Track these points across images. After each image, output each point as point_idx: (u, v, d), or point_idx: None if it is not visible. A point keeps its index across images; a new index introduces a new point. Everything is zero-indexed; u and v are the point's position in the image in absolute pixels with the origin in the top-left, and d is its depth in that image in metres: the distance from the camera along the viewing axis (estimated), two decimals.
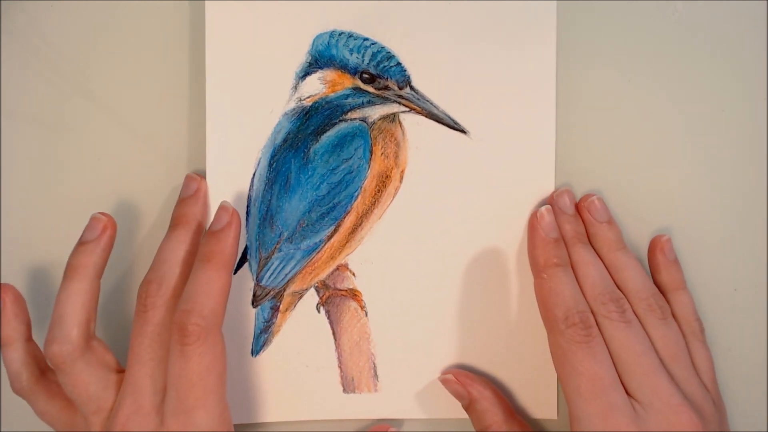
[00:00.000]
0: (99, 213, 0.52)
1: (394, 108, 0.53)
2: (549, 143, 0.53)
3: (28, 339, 0.51)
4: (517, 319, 0.54)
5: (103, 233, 0.51)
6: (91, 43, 0.55)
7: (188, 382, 0.47)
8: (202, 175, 0.53)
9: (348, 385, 0.54)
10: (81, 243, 0.51)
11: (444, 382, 0.53)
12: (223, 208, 0.51)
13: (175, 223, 0.52)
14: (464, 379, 0.53)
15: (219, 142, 0.53)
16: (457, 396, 0.53)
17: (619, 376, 0.48)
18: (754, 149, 0.54)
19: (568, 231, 0.52)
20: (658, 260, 0.53)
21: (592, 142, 0.54)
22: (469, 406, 0.53)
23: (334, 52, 0.53)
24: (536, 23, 0.53)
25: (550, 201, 0.53)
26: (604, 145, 0.54)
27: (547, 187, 0.53)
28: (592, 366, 0.48)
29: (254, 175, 0.53)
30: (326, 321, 0.54)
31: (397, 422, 0.54)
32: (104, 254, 0.51)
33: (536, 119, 0.53)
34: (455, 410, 0.54)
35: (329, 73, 0.53)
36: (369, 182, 0.53)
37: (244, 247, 0.53)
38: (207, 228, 0.52)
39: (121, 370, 0.51)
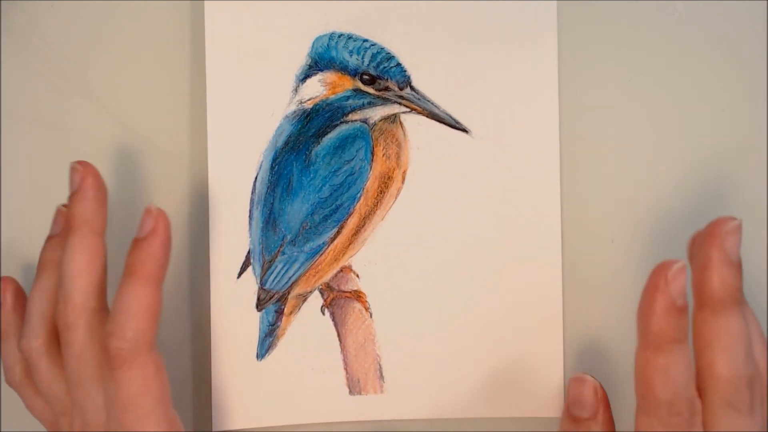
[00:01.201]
0: (62, 206, 0.51)
1: (395, 109, 0.53)
2: (553, 142, 0.53)
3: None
4: (523, 319, 0.54)
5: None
6: (91, 43, 0.55)
7: (121, 407, 0.46)
8: (88, 164, 0.50)
9: (354, 387, 0.54)
10: (47, 239, 0.51)
11: (580, 382, 0.47)
12: (147, 212, 0.47)
13: (68, 226, 0.49)
14: (603, 396, 0.47)
15: (220, 146, 0.53)
16: (581, 404, 0.47)
17: None
18: (754, 149, 0.54)
19: (718, 291, 0.43)
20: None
21: (594, 141, 0.54)
22: (579, 421, 0.47)
23: (333, 54, 0.53)
24: (537, 23, 0.53)
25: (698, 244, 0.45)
26: (605, 145, 0.54)
27: (552, 186, 0.53)
28: None
29: (256, 178, 0.53)
30: (331, 323, 0.54)
31: (403, 423, 0.54)
32: None
33: (539, 118, 0.53)
34: (461, 410, 0.54)
35: (329, 75, 0.53)
36: (371, 183, 0.53)
37: (247, 250, 0.54)
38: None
39: None
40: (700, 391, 0.43)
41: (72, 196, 0.49)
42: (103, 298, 0.48)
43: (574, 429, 0.48)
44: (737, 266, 0.43)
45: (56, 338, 0.49)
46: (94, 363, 0.47)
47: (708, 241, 0.43)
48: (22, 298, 0.51)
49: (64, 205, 0.50)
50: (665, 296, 0.42)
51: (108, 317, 0.46)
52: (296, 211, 0.53)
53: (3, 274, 0.55)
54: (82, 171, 0.49)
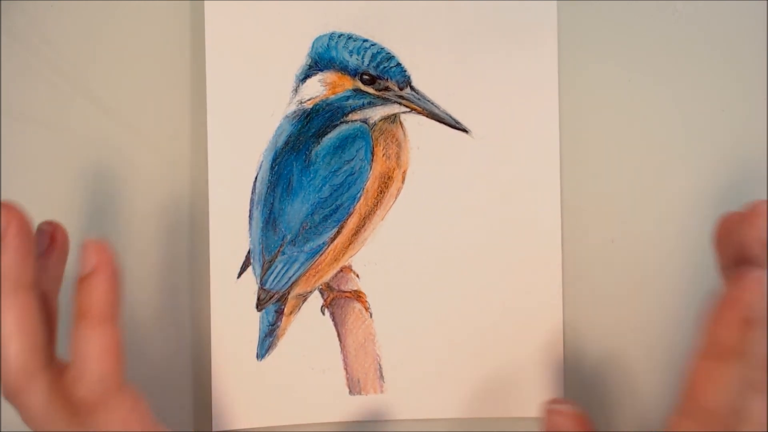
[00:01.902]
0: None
1: (394, 109, 0.53)
2: (553, 142, 0.53)
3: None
4: (523, 318, 0.54)
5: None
6: (91, 43, 0.55)
7: None
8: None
9: (354, 387, 0.54)
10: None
11: (555, 413, 0.46)
12: (85, 247, 0.43)
13: None
14: (583, 418, 0.46)
15: (221, 146, 0.53)
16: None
17: None
18: (754, 149, 0.54)
19: None
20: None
21: (594, 141, 0.54)
22: None
23: (333, 54, 0.53)
24: (537, 23, 0.53)
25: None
26: (605, 144, 0.54)
27: (552, 186, 0.53)
28: None
29: (256, 178, 0.53)
30: (331, 323, 0.54)
31: (403, 423, 0.54)
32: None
33: (539, 118, 0.53)
34: (461, 410, 0.54)
35: (329, 75, 0.53)
36: (371, 183, 0.53)
37: (247, 250, 0.54)
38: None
39: None
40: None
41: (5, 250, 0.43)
42: (51, 351, 0.44)
43: None
44: None
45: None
46: (64, 416, 0.43)
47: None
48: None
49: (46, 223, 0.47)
50: (742, 308, 0.41)
51: (67, 365, 0.44)
52: (296, 211, 0.53)
53: None
54: (4, 217, 0.43)
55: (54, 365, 0.44)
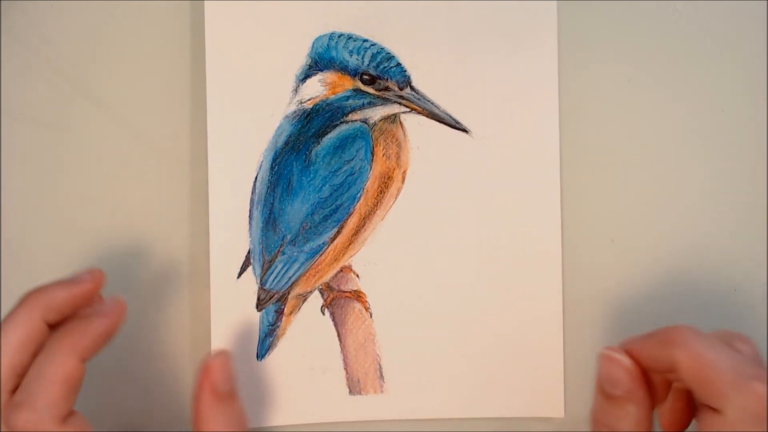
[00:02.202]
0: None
1: (394, 109, 0.53)
2: (553, 142, 0.53)
3: None
4: (523, 319, 0.54)
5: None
6: (91, 43, 0.55)
7: None
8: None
9: (354, 387, 0.54)
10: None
11: (610, 360, 0.46)
12: (113, 300, 0.47)
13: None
14: (636, 373, 0.45)
15: (221, 146, 0.53)
16: (614, 382, 0.45)
17: None
18: (754, 149, 0.54)
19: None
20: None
21: (593, 141, 0.54)
22: (613, 398, 0.45)
23: (333, 54, 0.53)
24: (537, 23, 0.53)
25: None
26: (605, 144, 0.54)
27: (552, 186, 0.53)
28: None
29: (256, 178, 0.53)
30: (331, 323, 0.54)
31: (403, 423, 0.54)
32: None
33: (539, 118, 0.53)
34: (461, 410, 0.54)
35: (329, 75, 0.53)
36: (371, 183, 0.53)
37: (247, 250, 0.54)
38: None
39: None
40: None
41: (63, 281, 0.47)
42: (18, 382, 0.44)
43: (607, 405, 0.46)
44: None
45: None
46: None
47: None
48: None
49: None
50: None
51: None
52: (296, 211, 0.53)
53: (2, 273, 0.55)
54: (92, 278, 0.47)
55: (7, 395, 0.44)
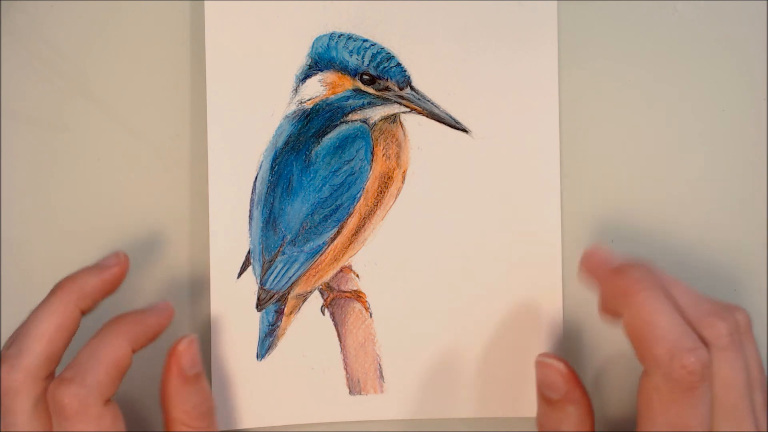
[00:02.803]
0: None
1: (394, 109, 0.53)
2: (553, 142, 0.53)
3: None
4: (523, 318, 0.54)
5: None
6: (91, 43, 0.55)
7: None
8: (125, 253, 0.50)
9: (354, 387, 0.54)
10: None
11: (543, 366, 0.48)
12: (159, 307, 0.49)
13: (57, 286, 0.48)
14: (570, 375, 0.47)
15: (221, 146, 0.53)
16: (549, 386, 0.47)
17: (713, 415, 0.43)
18: (754, 149, 0.54)
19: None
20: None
21: (593, 141, 0.54)
22: (552, 403, 0.47)
23: (333, 54, 0.53)
24: (537, 23, 0.53)
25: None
26: (605, 144, 0.54)
27: (552, 186, 0.53)
28: (693, 419, 0.42)
29: (256, 178, 0.53)
30: (331, 323, 0.54)
31: (403, 423, 0.54)
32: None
33: (539, 118, 0.53)
34: (461, 410, 0.54)
35: (329, 75, 0.53)
36: (371, 183, 0.53)
37: (247, 250, 0.54)
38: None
39: None
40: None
41: (92, 267, 0.49)
42: (54, 369, 0.46)
43: (549, 410, 0.48)
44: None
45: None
46: (42, 424, 0.45)
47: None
48: None
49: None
50: (606, 259, 0.47)
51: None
52: (296, 211, 0.53)
53: (2, 273, 0.55)
54: (119, 262, 0.49)
55: (49, 380, 0.46)
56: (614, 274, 0.45)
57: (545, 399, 0.48)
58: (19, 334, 0.46)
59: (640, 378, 0.44)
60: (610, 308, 0.46)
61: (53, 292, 0.47)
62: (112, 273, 0.49)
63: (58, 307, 0.46)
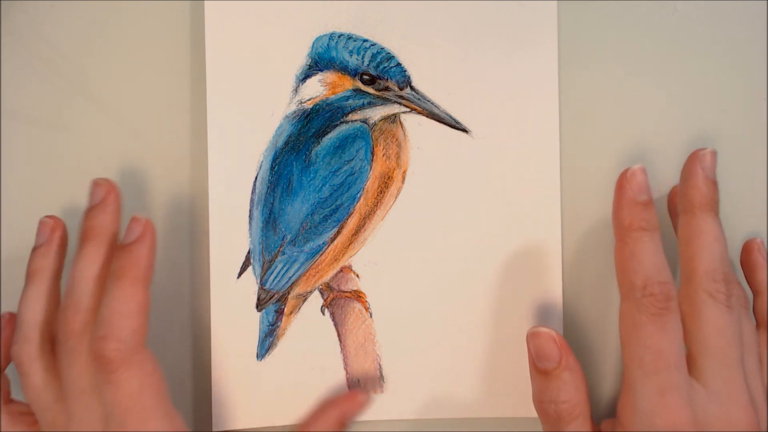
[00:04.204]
0: (46, 216, 0.52)
1: (395, 109, 0.53)
2: (553, 142, 0.53)
3: (1, 369, 0.52)
4: (523, 318, 0.54)
5: (52, 235, 0.52)
6: (91, 43, 0.55)
7: (124, 409, 0.47)
8: (111, 180, 0.52)
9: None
10: (34, 248, 0.52)
11: (537, 335, 0.49)
12: (135, 220, 0.50)
13: (84, 237, 0.50)
14: (562, 342, 0.49)
15: (221, 146, 0.53)
16: (544, 356, 0.49)
17: (694, 354, 0.47)
18: (754, 149, 0.54)
19: (698, 197, 0.49)
20: (755, 261, 0.52)
21: (593, 141, 0.54)
22: (548, 373, 0.49)
23: (333, 54, 0.53)
24: (537, 23, 0.53)
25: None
26: (605, 144, 0.54)
27: (552, 186, 0.53)
28: (662, 342, 0.46)
29: (256, 178, 0.53)
30: (331, 323, 0.54)
31: (403, 423, 0.54)
32: (58, 256, 0.52)
33: (539, 118, 0.53)
34: (461, 410, 0.54)
35: (329, 75, 0.53)
36: (371, 183, 0.53)
37: (247, 250, 0.54)
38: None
39: None
40: (684, 286, 0.49)
41: (92, 208, 0.51)
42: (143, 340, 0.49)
43: (545, 382, 0.49)
44: (713, 182, 0.49)
45: (50, 345, 0.50)
46: (92, 372, 0.47)
47: (689, 161, 0.50)
48: (9, 330, 0.52)
49: (48, 216, 0.52)
50: (627, 192, 0.49)
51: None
52: (296, 211, 0.53)
53: (2, 273, 0.55)
54: (106, 186, 0.51)
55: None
56: (632, 205, 0.49)
57: (541, 372, 0.49)
58: (68, 289, 0.49)
59: (620, 307, 0.48)
60: (613, 225, 0.50)
61: (83, 240, 0.50)
62: (115, 205, 0.51)
63: (95, 256, 0.49)
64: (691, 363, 0.47)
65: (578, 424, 0.48)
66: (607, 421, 0.50)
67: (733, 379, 0.47)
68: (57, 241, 0.52)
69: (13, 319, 0.51)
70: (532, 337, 0.49)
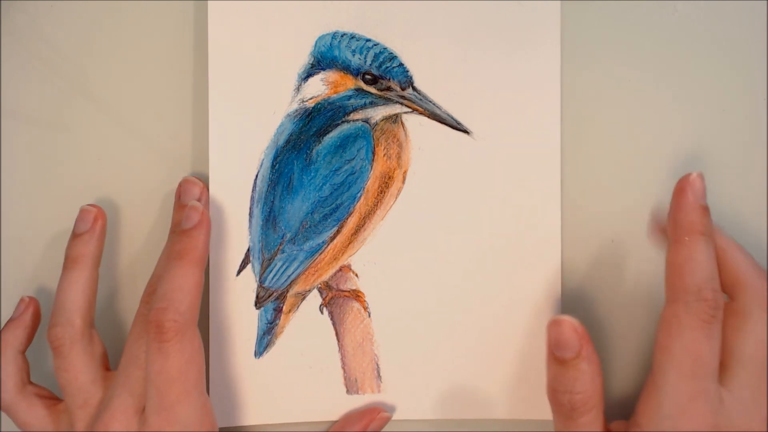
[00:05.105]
0: (88, 205, 0.53)
1: (396, 109, 0.53)
2: (554, 143, 0.53)
3: (22, 351, 0.53)
4: (523, 319, 0.54)
5: (95, 223, 0.53)
6: (91, 43, 0.55)
7: (169, 379, 0.48)
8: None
9: (351, 386, 0.54)
10: (75, 235, 0.53)
11: (558, 323, 0.48)
12: (192, 208, 0.51)
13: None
14: (583, 332, 0.48)
15: (222, 144, 0.53)
16: (564, 345, 0.48)
17: (729, 362, 0.48)
18: (754, 149, 0.54)
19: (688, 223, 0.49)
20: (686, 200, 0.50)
21: (595, 142, 0.54)
22: (566, 362, 0.48)
23: (336, 53, 0.53)
24: (540, 23, 0.53)
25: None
26: (606, 145, 0.54)
27: (553, 187, 0.54)
28: (704, 348, 0.46)
29: (257, 176, 0.53)
30: (329, 322, 0.54)
31: (401, 423, 0.54)
32: (99, 244, 0.53)
33: (541, 119, 0.53)
34: (460, 411, 0.54)
35: (331, 75, 0.53)
36: (372, 183, 0.53)
37: (247, 248, 0.54)
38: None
39: (108, 368, 0.52)
40: (732, 297, 0.49)
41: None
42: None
43: (562, 371, 0.48)
44: (706, 208, 0.50)
45: (88, 328, 0.52)
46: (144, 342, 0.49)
47: (679, 188, 0.50)
48: (33, 317, 0.54)
49: (90, 205, 0.54)
50: (689, 195, 0.49)
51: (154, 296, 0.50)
52: (296, 209, 0.53)
53: (2, 273, 0.55)
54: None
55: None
56: (692, 208, 0.49)
57: (558, 360, 0.48)
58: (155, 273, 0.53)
59: (662, 310, 0.48)
60: (667, 231, 0.50)
61: (181, 256, 0.51)
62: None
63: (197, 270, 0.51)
64: (721, 371, 0.48)
65: (591, 417, 0.48)
66: (619, 422, 0.50)
67: (760, 391, 0.47)
68: (99, 229, 0.53)
69: (34, 303, 0.54)
70: (553, 325, 0.48)
